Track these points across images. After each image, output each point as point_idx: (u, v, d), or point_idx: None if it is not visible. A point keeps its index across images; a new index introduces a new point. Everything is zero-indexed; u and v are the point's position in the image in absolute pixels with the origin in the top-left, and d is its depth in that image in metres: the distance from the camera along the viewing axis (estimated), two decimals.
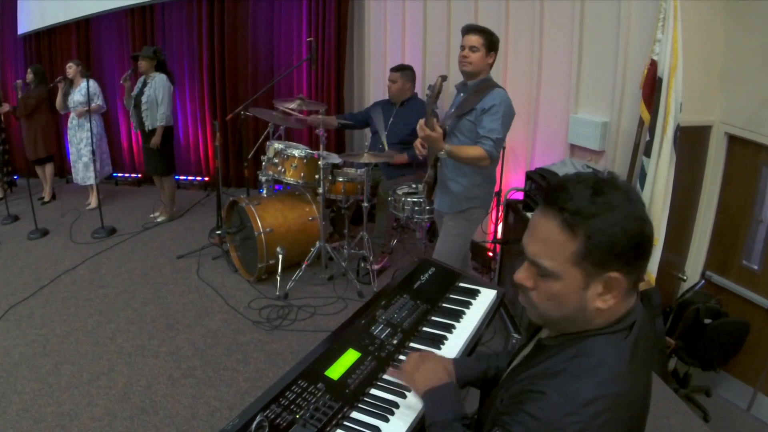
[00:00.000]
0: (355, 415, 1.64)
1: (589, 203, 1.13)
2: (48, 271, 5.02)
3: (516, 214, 4.13)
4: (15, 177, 7.50)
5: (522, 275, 1.26)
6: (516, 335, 3.68)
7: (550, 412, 1.14)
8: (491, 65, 3.45)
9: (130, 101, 5.85)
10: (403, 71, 5.28)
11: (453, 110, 3.54)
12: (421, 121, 3.20)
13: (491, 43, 3.38)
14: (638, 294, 1.30)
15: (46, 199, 6.90)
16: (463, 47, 3.41)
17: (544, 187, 1.21)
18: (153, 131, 5.78)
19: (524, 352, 1.46)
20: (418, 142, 3.46)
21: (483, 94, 3.34)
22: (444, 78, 3.17)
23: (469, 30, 3.42)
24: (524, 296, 1.29)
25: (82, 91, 6.01)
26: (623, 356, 1.19)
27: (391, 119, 5.31)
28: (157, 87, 5.69)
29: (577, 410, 1.12)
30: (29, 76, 6.47)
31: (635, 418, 1.20)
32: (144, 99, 5.72)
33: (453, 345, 2.03)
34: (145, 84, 5.79)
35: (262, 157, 5.01)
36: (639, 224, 1.14)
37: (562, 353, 1.25)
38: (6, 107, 6.84)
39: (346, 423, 1.60)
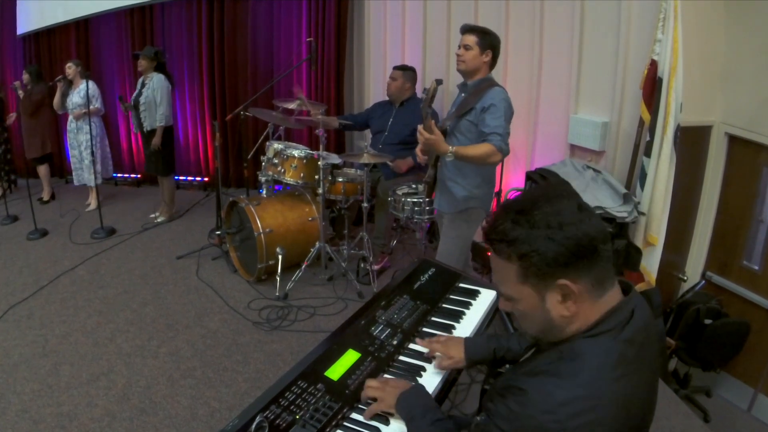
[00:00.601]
0: (355, 415, 1.64)
1: (512, 227, 1.22)
2: (47, 272, 5.01)
3: None
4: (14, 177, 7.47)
5: (502, 304, 1.37)
6: None
7: (527, 408, 1.17)
8: (489, 64, 3.43)
9: (129, 105, 5.85)
10: (405, 71, 5.28)
11: (453, 110, 3.53)
12: (420, 127, 3.19)
13: (486, 41, 3.37)
14: (632, 288, 1.30)
15: (46, 199, 6.89)
16: (459, 46, 3.42)
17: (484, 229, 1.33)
18: (152, 132, 5.76)
19: (527, 354, 1.49)
20: (418, 150, 3.45)
21: (482, 93, 3.33)
22: (439, 82, 3.16)
23: (465, 30, 3.42)
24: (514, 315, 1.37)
25: (80, 93, 6.00)
26: (608, 360, 1.19)
27: (391, 119, 5.30)
28: (155, 87, 5.67)
29: (554, 409, 1.14)
30: (25, 77, 6.46)
31: (626, 421, 1.19)
32: (142, 100, 5.70)
33: None
34: (143, 85, 5.77)
35: (262, 158, 5.00)
36: (569, 230, 1.18)
37: (549, 354, 1.28)
38: (13, 117, 6.82)
39: (345, 424, 1.61)
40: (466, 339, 1.92)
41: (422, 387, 1.68)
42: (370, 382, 1.70)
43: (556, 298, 1.22)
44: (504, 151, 3.25)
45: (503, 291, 1.30)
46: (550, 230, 1.18)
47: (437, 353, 1.90)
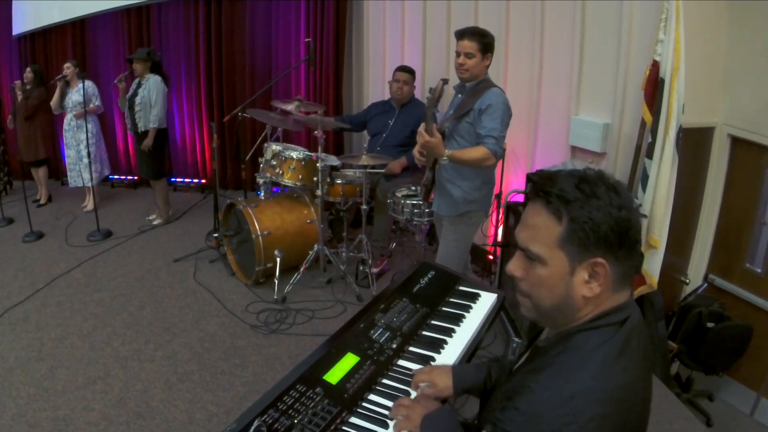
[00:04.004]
0: (353, 420, 1.62)
1: (574, 190, 1.20)
2: (43, 275, 4.98)
3: (517, 216, 4.10)
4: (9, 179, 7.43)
5: (513, 265, 1.32)
6: (516, 339, 3.63)
7: (535, 406, 1.15)
8: (488, 66, 3.43)
9: (124, 103, 5.81)
10: (412, 74, 5.25)
11: (451, 112, 3.51)
12: (421, 128, 3.17)
13: (486, 45, 3.35)
14: (632, 293, 1.31)
15: (42, 201, 6.84)
16: (458, 53, 3.38)
17: (535, 180, 1.24)
18: (146, 133, 5.73)
19: (523, 359, 1.47)
20: (416, 151, 3.43)
21: (480, 94, 3.32)
22: (445, 81, 3.14)
23: (462, 35, 3.37)
24: (517, 290, 1.33)
25: (80, 92, 5.97)
26: (611, 351, 1.19)
27: (392, 121, 5.27)
28: (150, 88, 5.64)
29: (563, 403, 1.12)
30: (28, 75, 6.40)
31: (629, 416, 1.19)
32: (138, 100, 5.67)
33: (453, 349, 2.02)
34: (139, 85, 5.74)
35: (260, 159, 4.98)
36: (625, 213, 1.18)
37: (552, 350, 1.26)
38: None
39: (344, 428, 1.59)
40: (454, 367, 1.84)
41: (450, 411, 1.64)
42: (403, 401, 1.65)
43: (583, 276, 1.21)
44: (498, 155, 3.27)
45: (533, 250, 1.24)
46: (610, 207, 1.17)
47: (421, 383, 1.78)
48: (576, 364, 1.18)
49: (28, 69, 6.48)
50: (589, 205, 1.17)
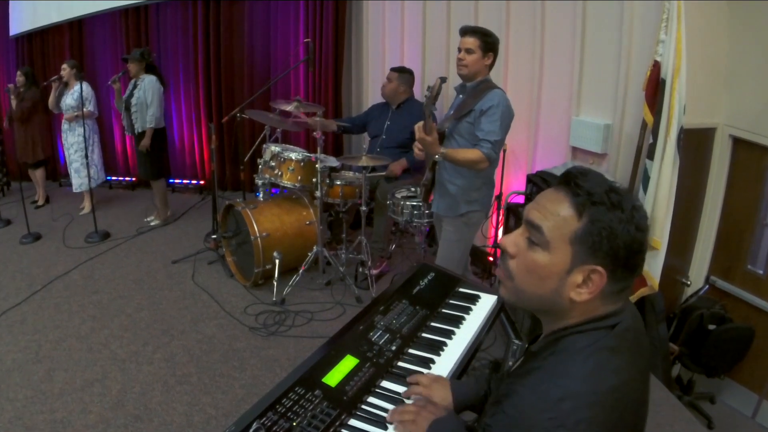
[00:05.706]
0: (353, 422, 1.60)
1: (603, 194, 1.17)
2: (40, 276, 4.96)
3: (517, 218, 4.08)
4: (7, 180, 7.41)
5: (509, 240, 1.28)
6: (516, 341, 3.62)
7: (522, 409, 1.14)
8: (489, 66, 3.41)
9: (121, 103, 5.80)
10: (402, 73, 5.22)
11: (452, 112, 3.50)
12: (419, 124, 3.16)
13: (488, 44, 3.34)
14: (628, 300, 1.31)
15: (40, 202, 6.83)
16: (459, 49, 3.38)
17: (566, 171, 1.26)
18: (144, 134, 5.71)
19: (517, 363, 1.45)
20: (416, 145, 3.42)
21: (481, 95, 3.30)
22: (443, 80, 3.13)
23: (465, 31, 3.38)
24: (503, 266, 1.31)
25: (74, 95, 5.94)
26: (602, 353, 1.18)
27: (388, 122, 5.26)
28: (146, 89, 5.62)
29: (550, 407, 1.11)
30: (20, 78, 6.37)
31: (621, 419, 1.17)
32: (134, 101, 5.65)
33: (453, 351, 2.00)
34: (135, 86, 5.72)
35: (259, 160, 4.96)
36: (641, 236, 1.18)
37: (541, 354, 1.25)
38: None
39: (343, 430, 1.57)
40: (452, 382, 1.78)
41: (456, 415, 1.62)
42: (408, 406, 1.62)
43: (577, 279, 1.19)
44: (492, 159, 3.26)
45: (544, 231, 1.21)
46: (630, 225, 1.16)
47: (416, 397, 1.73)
48: (564, 367, 1.17)
49: (19, 72, 6.44)
50: (613, 215, 1.16)
